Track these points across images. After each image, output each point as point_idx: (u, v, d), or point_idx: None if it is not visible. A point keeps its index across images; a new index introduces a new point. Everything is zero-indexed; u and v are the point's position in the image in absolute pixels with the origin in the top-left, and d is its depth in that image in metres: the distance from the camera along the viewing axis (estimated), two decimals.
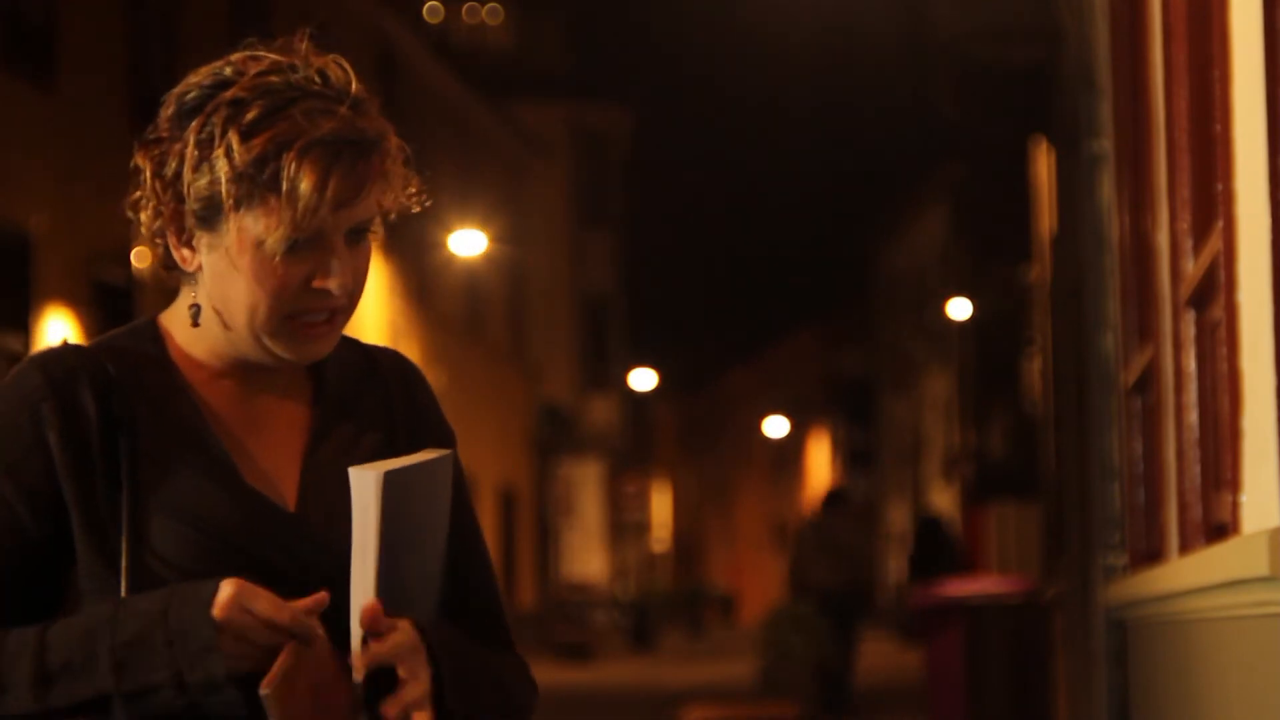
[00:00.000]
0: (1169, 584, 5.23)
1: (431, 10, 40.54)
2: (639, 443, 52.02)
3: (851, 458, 53.64)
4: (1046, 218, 15.08)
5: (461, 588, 2.48)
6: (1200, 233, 4.87)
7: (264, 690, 2.21)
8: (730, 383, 69.26)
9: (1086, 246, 7.68)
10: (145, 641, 2.24)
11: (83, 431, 2.33)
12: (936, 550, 22.04)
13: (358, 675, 2.28)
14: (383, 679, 2.30)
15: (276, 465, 2.42)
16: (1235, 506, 3.97)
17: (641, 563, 55.58)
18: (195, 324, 2.40)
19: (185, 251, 2.37)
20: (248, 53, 2.36)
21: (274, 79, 2.32)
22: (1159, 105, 5.52)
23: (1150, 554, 6.19)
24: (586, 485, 44.69)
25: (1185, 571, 4.83)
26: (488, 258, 31.50)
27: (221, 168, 2.29)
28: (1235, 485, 3.96)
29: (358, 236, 2.36)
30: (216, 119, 2.30)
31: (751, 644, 21.53)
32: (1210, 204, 4.55)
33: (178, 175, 2.33)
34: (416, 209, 2.45)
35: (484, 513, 33.05)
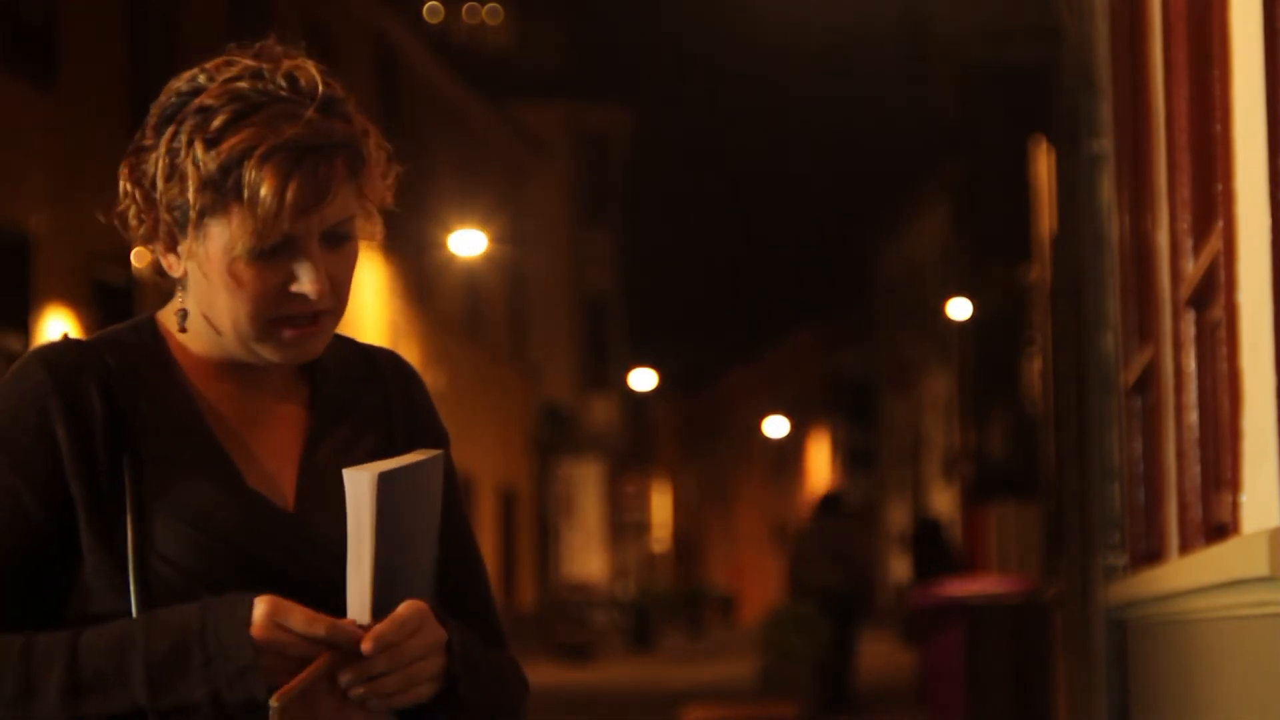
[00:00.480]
0: (1169, 584, 5.22)
1: (431, 10, 40.56)
2: (639, 443, 52.03)
3: (851, 458, 53.66)
4: (1046, 218, 15.07)
5: (455, 587, 2.48)
6: (1200, 233, 4.87)
7: (274, 702, 2.21)
8: (730, 383, 69.27)
9: (1086, 246, 7.68)
10: (181, 659, 2.24)
11: (88, 428, 2.33)
12: (935, 552, 22.02)
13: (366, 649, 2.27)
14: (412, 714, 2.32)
15: (276, 465, 2.42)
16: (1235, 506, 3.97)
17: (641, 563, 55.58)
18: (182, 329, 2.41)
19: (171, 258, 2.38)
20: (223, 59, 2.36)
21: (242, 85, 2.32)
22: (1159, 105, 5.51)
23: (1150, 554, 6.19)
24: (586, 485, 44.70)
25: (1185, 571, 4.83)
26: (488, 258, 31.50)
27: (190, 176, 2.30)
28: (1235, 485, 3.96)
29: (337, 239, 2.36)
30: (186, 127, 2.31)
31: (751, 644, 21.55)
32: (1210, 204, 4.55)
33: (154, 184, 2.34)
34: (391, 204, 2.43)
35: (484, 513, 33.04)
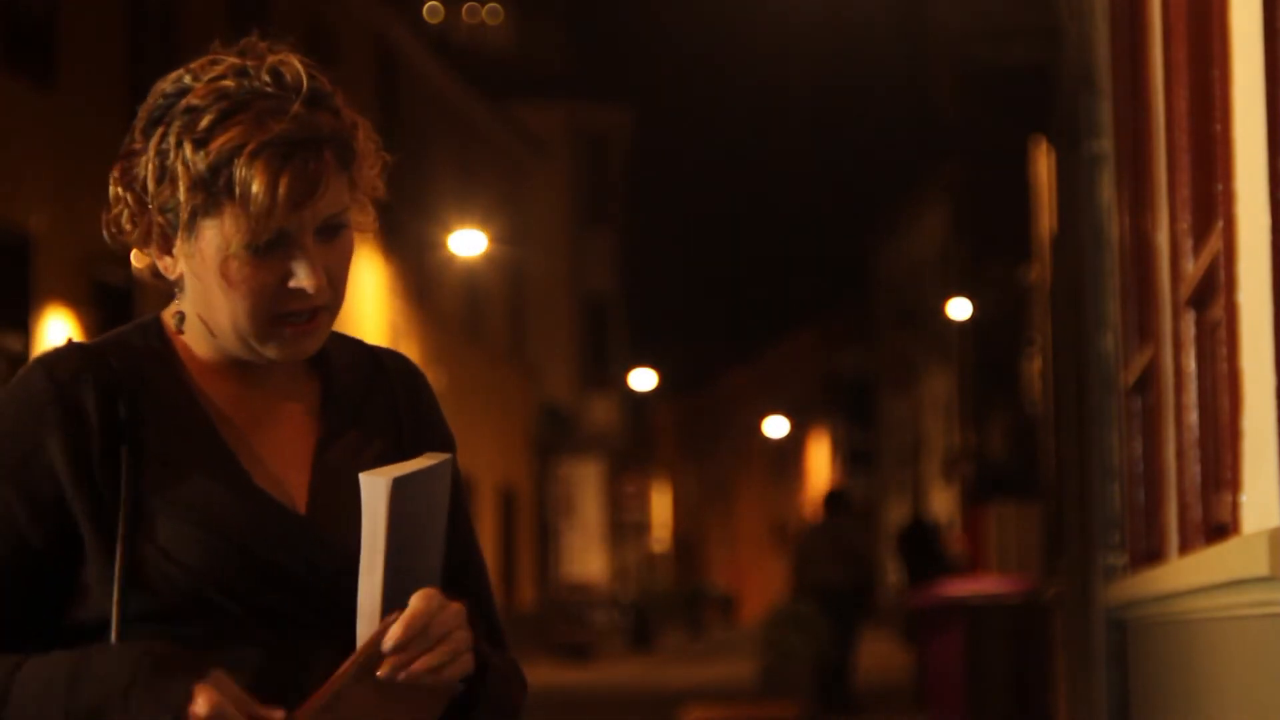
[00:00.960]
0: (1169, 584, 5.22)
1: (431, 10, 40.57)
2: (639, 443, 52.05)
3: (851, 458, 53.65)
4: (1046, 218, 15.08)
5: (459, 590, 2.47)
6: (1200, 233, 4.86)
7: None
8: (730, 383, 69.26)
9: (1086, 246, 7.68)
10: (99, 714, 2.22)
11: (85, 435, 2.33)
12: (929, 555, 21.98)
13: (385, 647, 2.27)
14: None
15: (284, 466, 2.41)
16: (1235, 506, 3.97)
17: (641, 563, 55.59)
18: (180, 331, 2.41)
19: (167, 260, 2.38)
20: (208, 58, 2.36)
21: (228, 83, 2.32)
22: (1159, 105, 5.51)
23: (1150, 554, 6.19)
24: (586, 485, 44.70)
25: (1185, 571, 4.83)
26: (488, 258, 31.49)
27: (181, 177, 2.30)
28: (1235, 485, 3.96)
29: (331, 232, 2.35)
30: (174, 128, 2.31)
31: (751, 644, 21.55)
32: (1210, 204, 4.55)
33: (145, 187, 2.34)
34: (383, 194, 2.43)
35: (484, 513, 33.04)
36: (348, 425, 2.47)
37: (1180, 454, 5.15)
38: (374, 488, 2.28)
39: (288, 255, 2.33)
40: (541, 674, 23.16)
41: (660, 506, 61.91)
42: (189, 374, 2.41)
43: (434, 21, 40.08)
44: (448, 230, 28.59)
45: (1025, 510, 21.96)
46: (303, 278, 2.33)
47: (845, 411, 54.17)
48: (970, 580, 16.48)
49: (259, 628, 2.32)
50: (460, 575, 2.49)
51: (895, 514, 46.33)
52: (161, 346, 2.43)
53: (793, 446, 61.79)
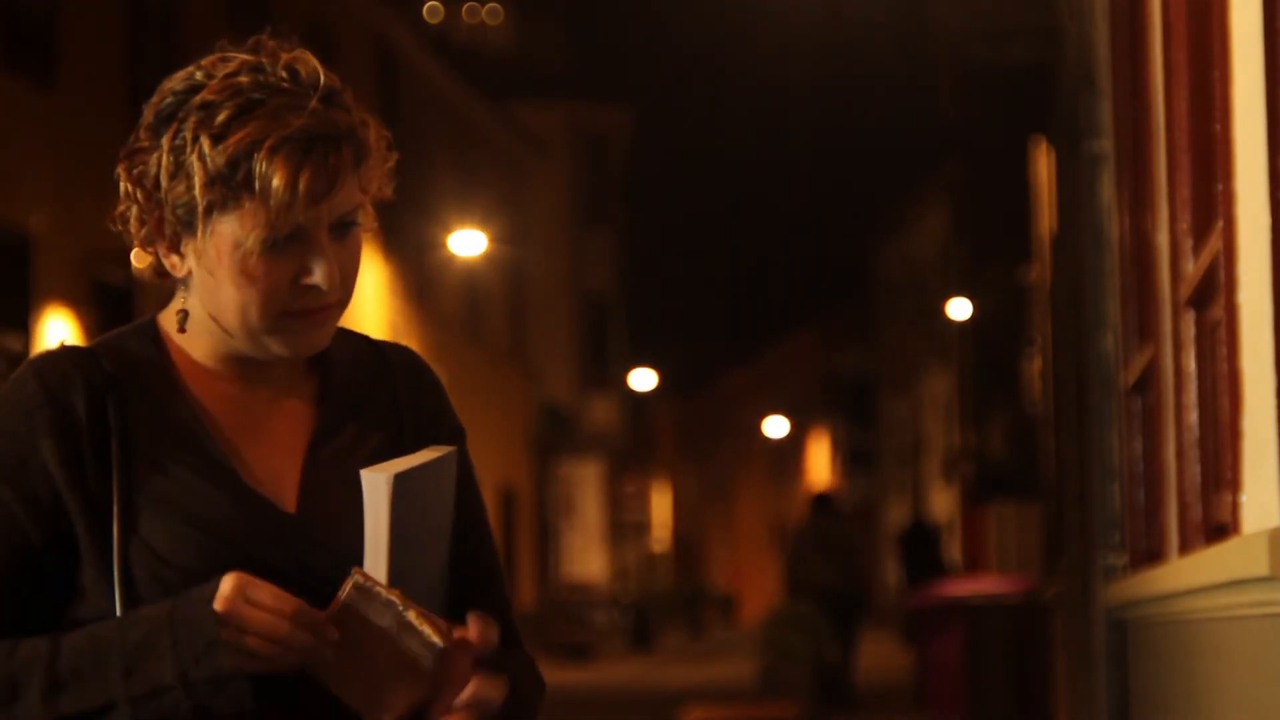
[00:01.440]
0: (1169, 584, 5.22)
1: (431, 10, 40.56)
2: (639, 443, 52.01)
3: (851, 458, 53.65)
4: (1046, 218, 15.08)
5: (471, 584, 2.48)
6: (1200, 233, 4.86)
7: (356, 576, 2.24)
8: (730, 383, 69.26)
9: (1086, 246, 7.68)
10: (152, 644, 2.25)
11: (76, 437, 2.33)
12: (927, 557, 22.01)
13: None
14: None
15: (277, 465, 2.41)
16: (1235, 506, 3.96)
17: (641, 563, 55.57)
18: (182, 330, 2.41)
19: (174, 258, 2.38)
20: (218, 55, 2.36)
21: (243, 79, 2.32)
22: (1159, 105, 5.51)
23: (1150, 554, 6.19)
24: (586, 485, 44.68)
25: (1185, 571, 4.83)
26: (488, 258, 31.50)
27: (196, 172, 2.30)
28: (1235, 485, 3.95)
29: (343, 229, 2.36)
30: (188, 124, 2.31)
31: (751, 644, 21.54)
32: (1210, 204, 4.55)
33: (157, 184, 2.33)
34: (390, 195, 2.44)
35: None
36: (345, 421, 2.46)
37: (1180, 454, 5.15)
38: (375, 484, 2.27)
39: (302, 251, 2.33)
40: (542, 674, 23.08)
41: (660, 506, 61.89)
42: (181, 376, 2.41)
43: (434, 21, 40.08)
44: (448, 230, 28.58)
45: (1025, 510, 21.97)
46: (318, 274, 2.33)
47: (845, 411, 54.16)
48: (970, 580, 16.48)
49: None
50: (473, 568, 2.49)
51: (895, 514, 46.31)
52: (155, 349, 2.43)
53: (793, 446, 61.79)
